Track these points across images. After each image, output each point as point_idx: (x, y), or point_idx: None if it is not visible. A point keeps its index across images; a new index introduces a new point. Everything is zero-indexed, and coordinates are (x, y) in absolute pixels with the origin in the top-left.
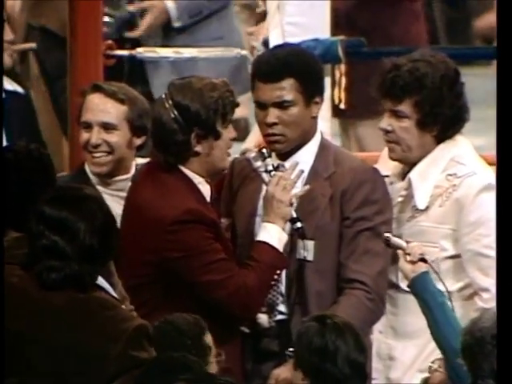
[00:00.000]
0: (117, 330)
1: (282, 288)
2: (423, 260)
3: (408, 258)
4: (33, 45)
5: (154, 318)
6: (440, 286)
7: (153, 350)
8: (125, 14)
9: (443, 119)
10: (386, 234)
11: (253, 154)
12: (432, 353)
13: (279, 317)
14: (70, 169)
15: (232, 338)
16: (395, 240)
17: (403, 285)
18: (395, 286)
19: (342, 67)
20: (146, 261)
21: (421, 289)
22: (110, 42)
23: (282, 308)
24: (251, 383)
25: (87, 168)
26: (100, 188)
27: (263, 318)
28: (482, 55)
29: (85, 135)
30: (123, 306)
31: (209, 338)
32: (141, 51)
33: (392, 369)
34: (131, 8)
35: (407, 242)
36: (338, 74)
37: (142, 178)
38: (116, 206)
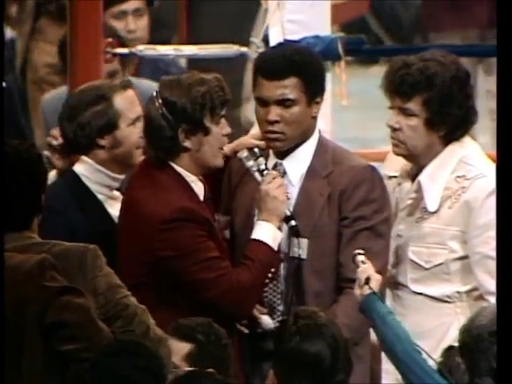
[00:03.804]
0: (22, 272)
1: (282, 288)
2: (367, 283)
3: (357, 282)
4: None
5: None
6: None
7: (63, 279)
8: None
9: (451, 119)
10: (356, 252)
11: (245, 154)
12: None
13: (281, 317)
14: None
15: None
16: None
17: (412, 286)
18: (404, 287)
19: (342, 64)
20: (142, 261)
21: (368, 310)
22: (110, 39)
23: (282, 308)
24: (250, 383)
25: (78, 171)
26: (103, 192)
27: (267, 320)
28: (481, 52)
29: (137, 131)
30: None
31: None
32: (141, 49)
33: None
34: None
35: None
36: (338, 71)
37: (136, 176)
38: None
